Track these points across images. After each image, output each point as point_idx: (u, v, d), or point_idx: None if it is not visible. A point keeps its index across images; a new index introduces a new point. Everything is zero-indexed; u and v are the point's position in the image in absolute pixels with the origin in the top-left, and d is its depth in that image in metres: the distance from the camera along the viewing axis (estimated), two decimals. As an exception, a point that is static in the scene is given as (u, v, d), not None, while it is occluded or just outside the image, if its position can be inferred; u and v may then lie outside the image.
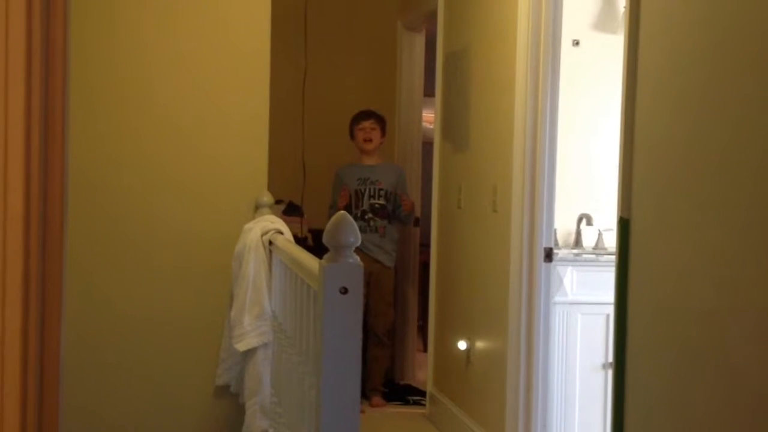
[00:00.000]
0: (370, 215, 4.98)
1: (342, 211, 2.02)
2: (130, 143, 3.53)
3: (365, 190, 5.04)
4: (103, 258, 3.49)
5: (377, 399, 4.97)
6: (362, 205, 5.00)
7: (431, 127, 5.18)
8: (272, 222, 3.42)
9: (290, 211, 4.99)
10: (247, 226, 3.44)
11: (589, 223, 3.89)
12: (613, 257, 2.55)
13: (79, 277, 3.29)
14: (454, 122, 4.44)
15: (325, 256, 1.96)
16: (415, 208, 5.35)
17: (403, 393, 5.17)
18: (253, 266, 3.31)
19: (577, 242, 3.88)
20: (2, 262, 2.12)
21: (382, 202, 5.03)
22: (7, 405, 2.12)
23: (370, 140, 5.07)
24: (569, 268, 3.67)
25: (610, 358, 2.60)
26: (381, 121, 5.12)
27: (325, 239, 1.95)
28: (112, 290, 3.51)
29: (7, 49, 2.09)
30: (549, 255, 3.50)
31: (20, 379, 2.15)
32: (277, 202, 4.15)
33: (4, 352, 2.12)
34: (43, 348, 2.24)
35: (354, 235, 1.93)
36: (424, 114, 5.80)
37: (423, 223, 5.51)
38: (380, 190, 5.03)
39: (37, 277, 2.18)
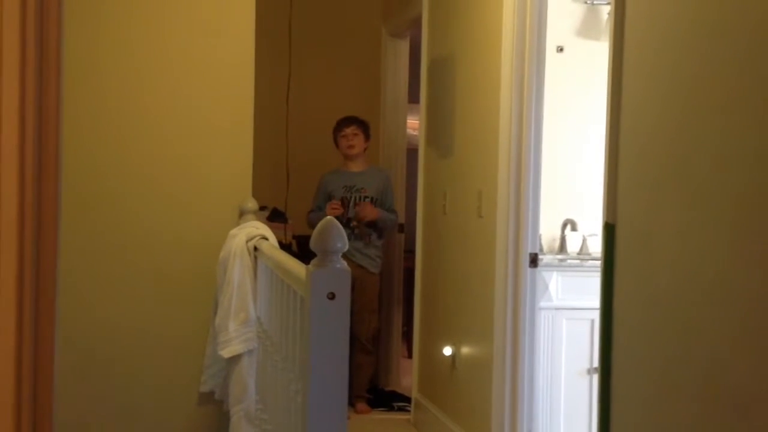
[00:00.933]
0: (355, 223, 4.98)
1: (329, 217, 2.02)
2: (113, 149, 3.51)
3: (351, 197, 5.03)
4: (86, 264, 3.47)
5: (362, 405, 4.96)
6: (348, 213, 5.00)
7: (416, 133, 5.19)
8: (257, 228, 3.41)
9: (274, 217, 4.98)
10: (232, 232, 3.43)
11: (574, 228, 3.91)
12: (598, 262, 2.56)
13: (62, 283, 3.26)
14: (438, 128, 4.44)
15: (313, 262, 1.96)
16: (399, 214, 5.34)
17: (388, 399, 5.16)
18: (238, 272, 3.30)
19: (562, 247, 3.90)
20: None
21: None
22: (2, 412, 2.10)
23: (353, 146, 5.06)
24: (554, 274, 3.68)
25: (596, 364, 2.60)
26: (363, 126, 5.12)
27: (313, 244, 1.94)
28: (95, 296, 3.48)
29: (1, 57, 2.08)
30: (534, 260, 3.50)
31: (14, 385, 2.14)
32: (262, 208, 4.13)
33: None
34: (38, 354, 2.23)
35: (342, 240, 1.92)
36: (408, 120, 5.81)
37: (408, 228, 5.51)
38: (365, 197, 5.03)
39: (31, 282, 2.17)
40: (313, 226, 5.10)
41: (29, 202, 2.16)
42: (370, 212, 4.98)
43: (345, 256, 1.98)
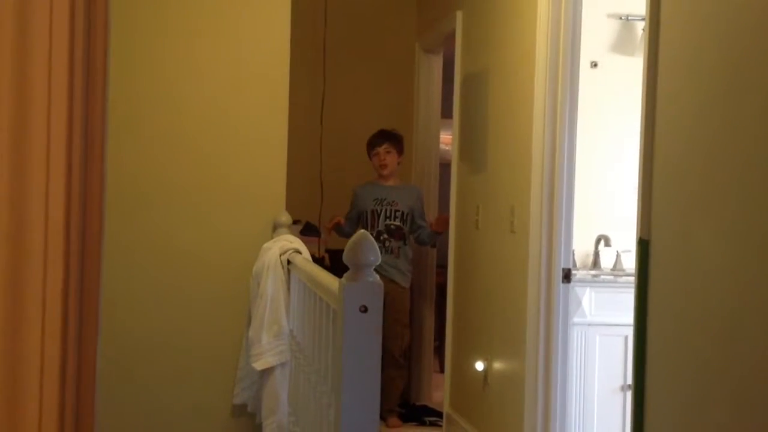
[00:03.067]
0: (385, 236, 4.98)
1: (362, 230, 2.03)
2: (149, 165, 3.56)
3: (381, 210, 5.04)
4: (121, 278, 3.51)
5: (394, 420, 4.95)
6: (378, 226, 5.01)
7: (448, 148, 5.19)
8: (290, 242, 3.43)
9: (307, 231, 5.00)
10: (265, 246, 3.46)
11: (608, 244, 3.88)
12: (632, 278, 2.54)
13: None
14: (471, 143, 4.45)
15: (345, 275, 1.97)
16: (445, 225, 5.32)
17: (419, 414, 5.15)
18: (272, 285, 3.33)
19: (596, 263, 3.88)
20: (43, 278, 2.15)
21: (397, 223, 5.03)
22: (46, 417, 2.14)
23: (386, 166, 5.07)
24: (587, 289, 3.66)
25: (629, 380, 2.59)
26: (396, 141, 5.12)
27: (346, 258, 1.96)
28: (130, 309, 3.52)
29: (50, 71, 2.13)
30: (567, 276, 3.49)
31: (58, 393, 2.17)
32: (295, 222, 4.16)
33: (44, 365, 2.14)
34: (80, 364, 2.26)
35: (374, 254, 1.94)
36: (441, 135, 5.82)
37: (440, 243, 5.50)
38: (396, 211, 5.03)
39: (76, 291, 2.22)
40: (340, 234, 5.10)
41: (75, 213, 2.20)
42: (444, 223, 4.98)
43: (376, 270, 1.99)
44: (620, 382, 3.64)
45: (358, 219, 5.11)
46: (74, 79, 2.15)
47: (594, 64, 3.94)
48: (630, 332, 2.54)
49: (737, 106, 2.04)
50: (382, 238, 4.95)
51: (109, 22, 2.33)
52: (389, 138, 5.10)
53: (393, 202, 5.04)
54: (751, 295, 1.95)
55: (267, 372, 3.32)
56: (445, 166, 5.28)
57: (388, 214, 5.02)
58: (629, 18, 3.96)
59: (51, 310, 2.16)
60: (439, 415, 4.91)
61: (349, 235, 4.98)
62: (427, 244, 5.22)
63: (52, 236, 2.15)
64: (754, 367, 1.93)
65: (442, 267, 5.07)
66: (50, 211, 2.15)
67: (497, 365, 3.95)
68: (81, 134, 2.19)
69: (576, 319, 3.59)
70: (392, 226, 5.01)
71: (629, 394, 2.57)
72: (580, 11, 3.46)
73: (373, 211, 5.03)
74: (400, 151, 5.14)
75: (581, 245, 3.84)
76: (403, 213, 5.03)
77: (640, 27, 3.84)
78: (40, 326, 2.15)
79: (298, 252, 3.36)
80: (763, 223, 1.92)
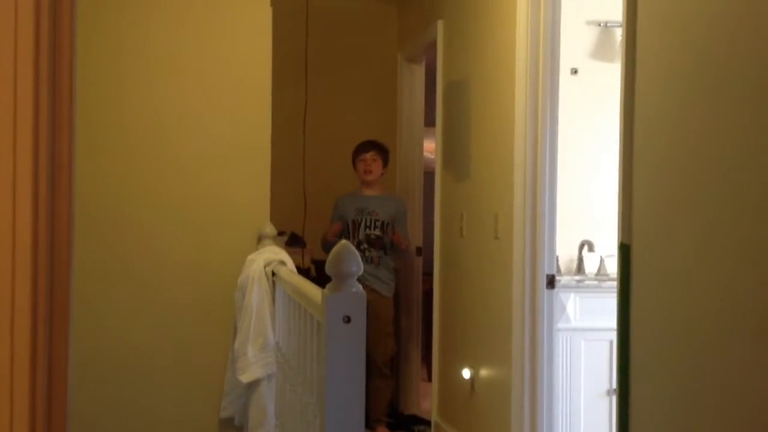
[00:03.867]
0: (365, 245, 4.99)
1: (344, 241, 2.04)
2: (132, 176, 3.56)
3: (361, 220, 5.04)
4: (105, 290, 3.50)
5: (382, 429, 4.95)
6: (358, 236, 5.01)
7: (432, 156, 5.21)
8: (275, 253, 3.43)
9: (293, 242, 5.00)
10: (250, 258, 3.46)
11: (591, 249, 3.90)
12: (615, 283, 2.56)
13: (81, 309, 3.29)
14: (454, 151, 4.47)
15: (328, 286, 1.98)
16: (412, 241, 5.34)
17: (408, 423, 5.15)
18: (257, 297, 3.32)
19: (579, 268, 3.90)
20: (11, 290, 2.13)
21: (377, 232, 5.03)
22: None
23: (370, 172, 5.07)
24: (572, 295, 3.68)
25: (615, 385, 2.60)
26: (383, 152, 5.14)
27: (328, 268, 1.96)
28: (114, 322, 3.51)
29: (15, 85, 2.12)
30: (551, 282, 3.50)
31: (29, 409, 2.15)
32: (280, 233, 4.16)
33: (13, 384, 2.13)
34: (51, 380, 2.24)
35: (356, 264, 1.94)
36: (425, 144, 5.84)
37: (425, 251, 5.52)
38: (376, 221, 5.04)
39: (45, 307, 2.20)
40: (325, 249, 5.12)
41: (42, 228, 2.19)
42: (401, 241, 5.02)
43: (358, 280, 2.00)
44: (606, 387, 3.66)
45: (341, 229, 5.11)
46: (39, 90, 2.14)
47: (574, 71, 3.96)
48: (615, 337, 2.55)
49: (715, 110, 2.06)
50: (362, 248, 4.96)
51: (74, 33, 2.32)
52: (377, 147, 5.11)
53: (373, 211, 5.04)
54: (732, 298, 1.96)
55: (253, 384, 3.31)
56: (429, 175, 5.30)
57: (368, 223, 5.03)
58: (608, 25, 3.99)
59: (19, 329, 2.14)
60: (428, 423, 4.91)
61: (332, 245, 5.01)
62: (401, 254, 5.20)
63: (19, 251, 2.14)
64: (737, 369, 1.94)
65: (428, 275, 5.08)
66: (17, 224, 2.14)
67: (484, 372, 3.96)
68: (47, 146, 2.18)
69: (561, 325, 3.60)
70: (372, 236, 5.01)
71: (615, 399, 2.58)
72: (559, 19, 3.49)
73: (353, 221, 5.03)
74: (385, 163, 5.15)
75: (565, 251, 3.85)
76: (383, 222, 5.03)
77: (619, 33, 3.86)
78: (9, 347, 2.14)
79: (283, 263, 3.36)
80: (742, 226, 1.93)
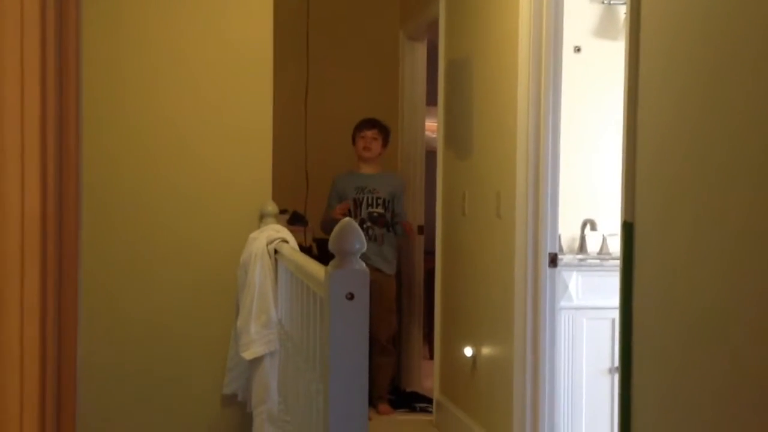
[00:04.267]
0: (368, 224, 4.98)
1: (347, 218, 2.03)
2: (133, 155, 3.55)
3: (363, 198, 5.03)
4: (108, 267, 3.51)
5: (384, 406, 4.97)
6: (360, 214, 5.00)
7: (434, 135, 5.20)
8: (277, 231, 3.43)
9: (294, 220, 5.00)
10: (252, 236, 3.46)
11: (594, 228, 3.90)
12: (618, 261, 2.56)
13: (85, 287, 3.31)
14: (456, 130, 4.45)
15: (331, 263, 1.98)
16: (414, 220, 5.36)
17: (409, 400, 5.17)
18: (259, 275, 3.33)
19: (582, 247, 3.90)
20: (20, 268, 2.14)
21: (380, 210, 5.02)
22: (27, 410, 2.14)
23: (369, 149, 5.05)
24: (574, 273, 3.68)
25: (617, 363, 2.61)
26: (384, 131, 5.12)
27: (331, 246, 1.96)
28: (117, 300, 3.52)
29: (22, 67, 2.12)
30: (554, 260, 3.50)
31: (39, 385, 2.17)
32: (282, 211, 4.16)
33: (23, 359, 2.14)
34: (61, 356, 2.26)
35: (360, 241, 1.94)
36: (426, 122, 5.82)
37: (427, 230, 5.52)
38: (378, 198, 5.03)
39: (54, 283, 2.21)
40: (325, 229, 5.14)
41: (51, 206, 2.19)
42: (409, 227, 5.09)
43: (361, 258, 1.99)
44: (608, 365, 3.67)
45: None
46: (47, 73, 2.14)
47: (577, 49, 3.94)
48: (617, 315, 2.55)
49: (719, 88, 2.05)
50: (365, 226, 4.95)
51: (80, 16, 2.32)
52: (379, 126, 5.09)
53: (374, 189, 5.03)
54: (734, 276, 1.96)
55: (256, 361, 3.32)
56: (430, 154, 5.29)
57: (369, 201, 5.02)
58: (611, 2, 3.96)
59: (29, 306, 2.15)
60: (430, 401, 4.93)
61: (332, 226, 5.01)
62: (401, 237, 5.21)
63: (28, 233, 2.14)
64: (738, 347, 1.95)
65: (431, 253, 5.09)
66: (25, 205, 2.15)
67: (486, 351, 3.97)
68: (54, 126, 2.18)
69: (563, 303, 3.61)
70: (375, 214, 5.00)
71: (617, 377, 2.59)
72: (563, -4, 3.47)
73: (354, 200, 5.02)
74: (385, 142, 5.13)
75: (567, 229, 3.85)
76: (384, 200, 5.03)
77: (623, 11, 3.84)
78: (19, 325, 2.15)
79: (285, 241, 3.36)
80: (744, 204, 1.93)
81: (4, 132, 2.12)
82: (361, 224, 4.92)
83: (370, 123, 5.08)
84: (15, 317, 2.15)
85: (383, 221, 5.02)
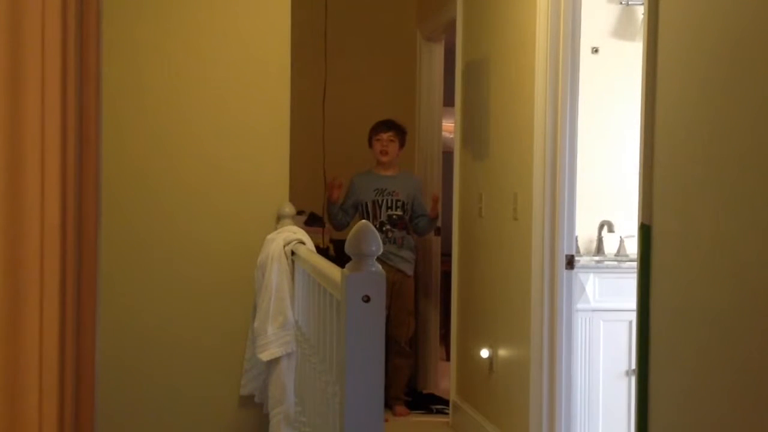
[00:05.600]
0: (388, 227, 4.99)
1: (364, 221, 2.04)
2: (152, 156, 3.57)
3: (383, 201, 5.04)
4: (126, 269, 3.52)
5: (400, 408, 4.97)
6: (380, 217, 5.01)
7: (451, 136, 5.19)
8: (294, 232, 3.44)
9: (312, 221, 5.01)
10: (269, 237, 3.46)
11: (611, 230, 3.89)
12: (635, 264, 2.55)
13: (103, 290, 3.32)
14: (474, 131, 4.45)
15: (348, 265, 1.98)
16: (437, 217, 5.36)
17: (426, 402, 5.17)
18: (276, 276, 3.33)
19: (599, 249, 3.88)
20: (40, 272, 2.16)
21: (399, 213, 5.03)
22: (46, 414, 2.15)
23: (387, 153, 5.06)
24: (591, 275, 3.67)
25: (634, 365, 2.60)
26: (401, 132, 5.12)
27: (348, 248, 1.96)
28: (135, 301, 3.54)
29: (43, 66, 2.13)
30: (570, 262, 3.49)
31: (58, 390, 2.18)
32: (299, 212, 4.17)
33: (42, 362, 2.16)
34: (79, 357, 2.28)
35: (376, 244, 1.94)
36: (444, 123, 5.82)
37: (444, 232, 5.51)
38: (397, 201, 5.04)
39: (74, 286, 2.22)
40: (334, 224, 5.15)
41: (71, 208, 2.21)
42: (435, 203, 5.08)
43: (382, 260, 2.00)
44: (625, 367, 3.65)
45: (355, 209, 5.10)
46: (67, 75, 2.15)
47: (595, 50, 3.93)
48: (634, 317, 2.54)
49: (738, 89, 2.04)
50: (384, 228, 4.96)
51: (100, 13, 2.33)
52: (395, 127, 5.09)
53: (394, 192, 5.04)
54: (752, 279, 1.95)
55: (273, 363, 3.33)
56: (447, 155, 5.29)
57: (389, 204, 5.03)
58: (629, 3, 3.95)
59: (48, 306, 2.17)
60: (446, 403, 4.93)
61: (340, 221, 5.02)
62: (425, 232, 5.22)
63: (48, 231, 2.16)
64: (756, 351, 1.94)
65: (447, 255, 5.09)
66: (46, 206, 2.16)
67: (502, 352, 3.96)
68: (75, 126, 2.20)
69: (580, 305, 3.60)
70: (394, 216, 5.01)
71: (634, 379, 2.58)
72: (580, -3, 3.46)
73: (374, 202, 5.03)
74: (402, 144, 5.14)
75: (584, 231, 3.84)
76: (404, 203, 5.04)
77: (641, 12, 3.82)
78: (38, 323, 2.16)
79: (302, 243, 3.37)
80: (762, 206, 1.92)
81: (25, 136, 2.14)
82: (380, 227, 4.93)
83: (386, 125, 5.08)
84: (34, 322, 2.17)
85: (403, 224, 5.03)
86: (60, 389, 2.19)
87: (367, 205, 5.04)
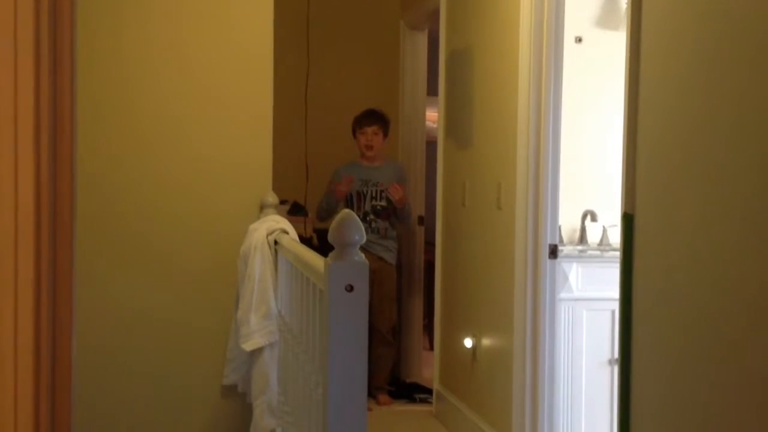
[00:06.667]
0: (372, 216, 4.99)
1: (347, 210, 2.03)
2: (134, 144, 3.54)
3: (367, 191, 5.04)
4: (107, 259, 3.50)
5: (384, 397, 4.98)
6: (364, 207, 5.01)
7: (434, 125, 5.19)
8: (277, 222, 3.43)
9: (295, 211, 5.00)
10: (252, 226, 3.45)
11: (594, 219, 3.89)
12: (618, 253, 2.55)
13: (84, 278, 3.29)
14: (457, 120, 4.44)
15: (331, 254, 1.97)
16: (414, 204, 5.36)
17: (409, 391, 5.18)
18: (259, 266, 3.32)
19: (582, 238, 3.89)
20: (14, 260, 2.13)
21: (383, 203, 5.04)
22: (21, 404, 2.13)
23: (371, 147, 5.06)
24: (574, 265, 3.67)
25: (617, 354, 2.60)
26: (384, 124, 5.11)
27: (331, 237, 1.95)
28: (117, 291, 3.52)
29: (15, 52, 2.10)
30: (554, 251, 3.50)
31: (33, 377, 2.16)
32: (282, 202, 4.15)
33: (17, 351, 2.14)
34: (55, 347, 2.25)
35: (359, 233, 1.93)
36: (427, 113, 5.81)
37: (428, 221, 5.52)
38: (381, 191, 5.04)
39: (48, 275, 2.20)
40: (321, 216, 5.15)
41: (45, 197, 2.18)
42: (396, 191, 4.94)
43: (364, 248, 1.99)
44: (608, 356, 3.67)
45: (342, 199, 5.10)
46: (40, 66, 2.12)
47: (578, 39, 3.93)
48: (617, 307, 2.55)
49: (720, 79, 2.04)
50: (368, 219, 4.96)
51: (75, 9, 2.30)
52: (379, 120, 5.08)
53: (378, 182, 5.04)
54: (734, 267, 1.96)
55: (256, 352, 3.32)
56: (431, 144, 5.28)
57: (374, 194, 5.03)
58: (613, -8, 3.94)
59: (22, 296, 2.14)
60: (429, 392, 4.93)
61: (331, 214, 5.01)
62: (403, 220, 5.21)
63: (22, 221, 2.13)
64: (737, 338, 1.95)
65: (431, 244, 5.09)
66: (19, 201, 2.14)
67: (486, 342, 3.97)
68: (49, 122, 2.17)
69: (563, 295, 3.60)
70: (378, 207, 5.02)
71: (617, 368, 2.59)
72: (564, -14, 3.45)
73: (358, 193, 5.03)
74: (386, 134, 5.14)
75: (568, 220, 3.85)
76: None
77: (624, 1, 3.83)
78: (13, 314, 2.14)
79: (286, 232, 3.36)
80: (743, 195, 1.93)
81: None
82: (364, 217, 4.93)
83: (370, 118, 5.07)
84: (8, 313, 2.14)
85: (387, 214, 5.04)
86: (35, 382, 2.17)
87: (351, 195, 5.04)
